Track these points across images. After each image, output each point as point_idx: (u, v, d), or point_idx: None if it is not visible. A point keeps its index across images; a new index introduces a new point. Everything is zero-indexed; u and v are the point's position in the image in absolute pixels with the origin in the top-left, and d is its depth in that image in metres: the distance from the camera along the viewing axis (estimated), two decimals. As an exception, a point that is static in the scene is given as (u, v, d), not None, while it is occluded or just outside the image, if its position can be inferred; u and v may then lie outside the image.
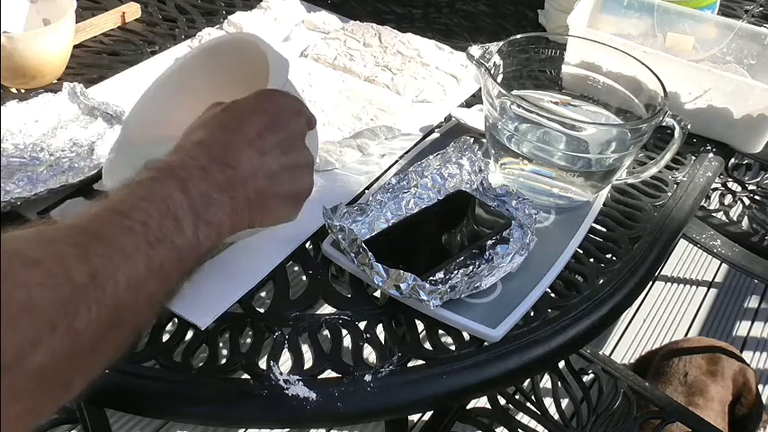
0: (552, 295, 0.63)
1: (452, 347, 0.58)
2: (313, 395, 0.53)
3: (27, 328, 0.31)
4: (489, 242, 0.63)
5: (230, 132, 0.48)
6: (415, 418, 1.32)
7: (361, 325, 0.60)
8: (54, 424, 0.89)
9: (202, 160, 0.45)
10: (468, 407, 0.96)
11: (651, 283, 1.55)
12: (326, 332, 0.59)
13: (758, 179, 1.42)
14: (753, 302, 1.77)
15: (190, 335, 0.58)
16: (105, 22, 0.94)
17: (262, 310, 0.60)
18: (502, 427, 0.95)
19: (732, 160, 1.28)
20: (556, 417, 0.97)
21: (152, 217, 0.40)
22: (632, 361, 1.48)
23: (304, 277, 0.64)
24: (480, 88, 0.71)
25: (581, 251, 0.68)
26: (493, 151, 0.72)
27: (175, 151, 0.47)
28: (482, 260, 0.62)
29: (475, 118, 0.80)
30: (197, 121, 0.51)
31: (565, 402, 1.00)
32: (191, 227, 0.42)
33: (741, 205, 1.38)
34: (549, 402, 0.98)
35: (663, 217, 0.73)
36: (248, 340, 0.58)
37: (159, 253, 0.40)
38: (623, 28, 0.89)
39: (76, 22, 0.85)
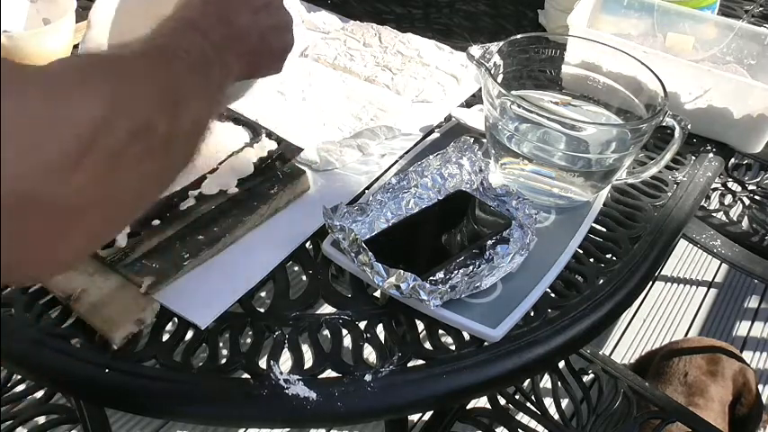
0: (552, 295, 0.63)
1: (452, 347, 0.58)
2: (313, 395, 0.53)
3: (150, 105, 0.39)
4: (489, 242, 0.63)
5: None
6: (415, 418, 1.32)
7: (362, 325, 0.60)
8: (54, 424, 0.89)
9: (211, 16, 0.50)
10: (468, 407, 0.96)
11: (651, 283, 1.55)
12: (327, 332, 0.59)
13: (758, 179, 1.42)
14: (753, 302, 1.77)
15: (190, 334, 0.59)
16: (105, 21, 0.94)
17: (262, 310, 0.60)
18: (502, 427, 0.95)
19: (732, 160, 1.28)
20: (556, 417, 0.97)
21: (192, 53, 0.45)
22: (632, 361, 1.48)
23: (304, 277, 0.64)
24: (480, 88, 0.71)
25: (581, 251, 0.68)
26: (493, 151, 0.72)
27: (185, 7, 0.51)
28: (482, 260, 0.62)
29: (475, 118, 0.80)
30: None
31: (565, 402, 1.00)
32: (217, 67, 0.48)
33: (741, 205, 1.38)
34: (549, 402, 0.98)
35: (663, 217, 0.73)
36: (248, 340, 0.58)
37: (207, 82, 0.46)
38: (623, 28, 0.89)
39: (76, 22, 0.85)
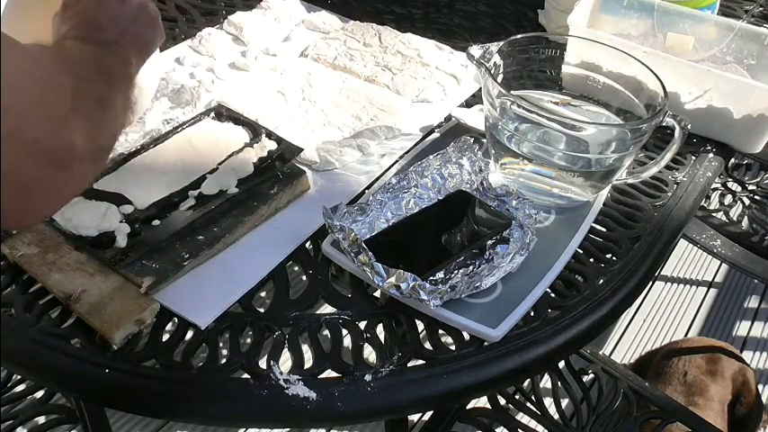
0: (552, 295, 0.63)
1: (452, 347, 0.58)
2: (313, 395, 0.53)
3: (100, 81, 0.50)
4: (489, 242, 0.63)
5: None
6: (415, 418, 1.32)
7: (362, 325, 0.60)
8: (54, 424, 0.89)
9: (87, 27, 0.55)
10: (468, 407, 0.96)
11: (651, 283, 1.55)
12: (327, 332, 0.59)
13: (758, 179, 1.42)
14: (753, 302, 1.77)
15: (190, 334, 0.59)
16: (105, 21, 0.94)
17: (262, 310, 0.60)
18: (502, 427, 0.95)
19: (732, 160, 1.28)
20: (556, 417, 0.97)
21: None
22: (632, 361, 1.48)
23: (304, 277, 0.64)
24: (480, 88, 0.71)
25: (581, 251, 0.68)
26: (493, 151, 0.72)
27: (74, 26, 0.55)
28: (482, 260, 0.62)
29: (475, 118, 0.80)
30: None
31: (565, 402, 1.00)
32: (118, 62, 0.54)
33: (741, 205, 1.38)
34: (549, 402, 0.98)
35: (663, 217, 0.73)
36: (248, 340, 0.58)
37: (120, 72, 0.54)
38: (623, 28, 0.89)
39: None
